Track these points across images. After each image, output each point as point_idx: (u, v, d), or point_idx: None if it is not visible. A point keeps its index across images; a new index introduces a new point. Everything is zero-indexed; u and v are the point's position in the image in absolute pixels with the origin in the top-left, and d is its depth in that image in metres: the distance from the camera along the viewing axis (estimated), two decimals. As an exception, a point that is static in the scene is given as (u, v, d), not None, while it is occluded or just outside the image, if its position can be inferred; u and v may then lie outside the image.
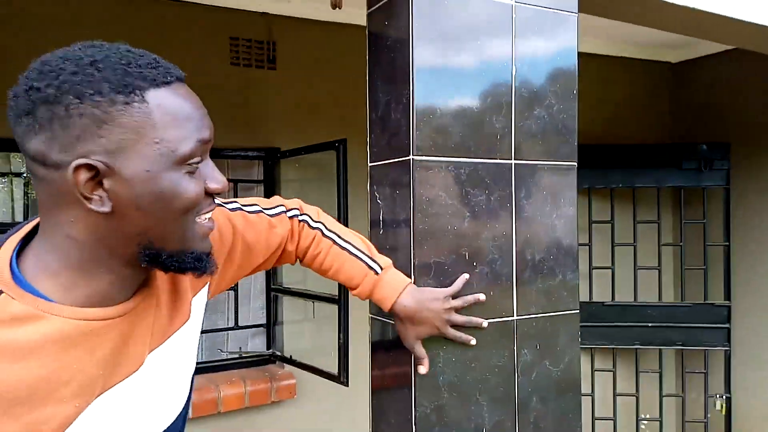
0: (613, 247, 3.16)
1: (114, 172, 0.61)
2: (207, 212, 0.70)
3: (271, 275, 2.50)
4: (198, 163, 0.67)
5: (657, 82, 3.47)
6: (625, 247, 3.15)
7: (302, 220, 1.10)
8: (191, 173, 0.66)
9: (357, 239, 1.12)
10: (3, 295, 0.61)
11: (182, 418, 0.85)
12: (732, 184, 3.11)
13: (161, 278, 0.78)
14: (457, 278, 1.15)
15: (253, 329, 2.56)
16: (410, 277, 1.13)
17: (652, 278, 3.16)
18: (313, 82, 2.48)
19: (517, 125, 1.25)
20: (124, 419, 0.71)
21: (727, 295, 3.12)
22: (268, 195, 2.51)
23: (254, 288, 2.57)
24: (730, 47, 2.89)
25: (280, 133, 2.45)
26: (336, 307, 2.05)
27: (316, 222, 1.11)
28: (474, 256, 1.20)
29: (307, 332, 2.49)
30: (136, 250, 0.66)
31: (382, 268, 1.08)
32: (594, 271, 3.17)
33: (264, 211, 1.04)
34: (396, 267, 1.16)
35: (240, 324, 2.49)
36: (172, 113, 0.64)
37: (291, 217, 1.09)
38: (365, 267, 1.09)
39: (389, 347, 1.23)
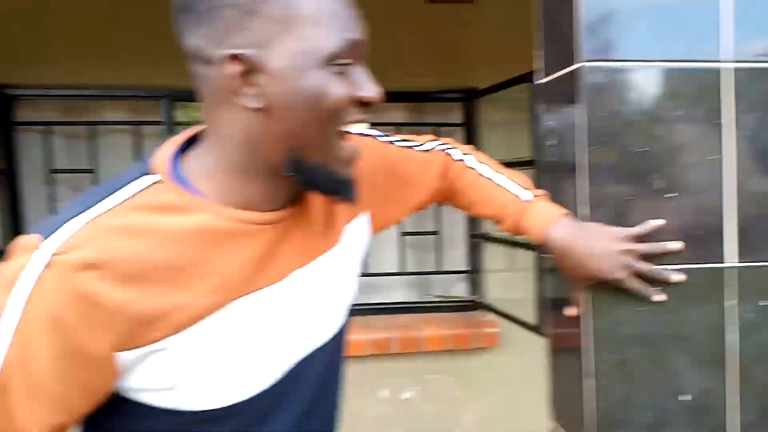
0: None
1: (263, 66, 0.60)
2: (351, 122, 0.66)
3: (471, 222, 2.43)
4: (347, 65, 0.63)
5: None
6: None
7: (448, 152, 1.02)
8: (340, 74, 0.62)
9: (508, 171, 1.00)
10: (160, 184, 0.63)
11: (329, 351, 0.81)
12: None
13: (315, 199, 0.76)
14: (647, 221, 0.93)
15: (460, 275, 2.54)
16: (580, 215, 0.96)
17: None
18: (516, 14, 2.28)
19: (739, 15, 0.95)
20: (260, 330, 0.69)
21: None
22: (468, 139, 2.42)
23: (455, 234, 2.53)
24: None
25: (479, 71, 2.32)
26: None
27: (464, 154, 1.02)
28: (669, 185, 0.96)
29: (511, 281, 2.38)
30: (283, 156, 0.64)
31: (534, 197, 0.94)
32: None
33: (415, 147, 0.99)
34: (563, 202, 1.00)
35: (443, 269, 2.49)
36: (319, 7, 0.61)
37: (441, 150, 1.02)
38: (513, 196, 0.96)
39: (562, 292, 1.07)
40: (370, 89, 0.65)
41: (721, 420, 0.99)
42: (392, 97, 2.39)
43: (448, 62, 2.37)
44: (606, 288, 0.95)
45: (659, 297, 0.94)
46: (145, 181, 0.63)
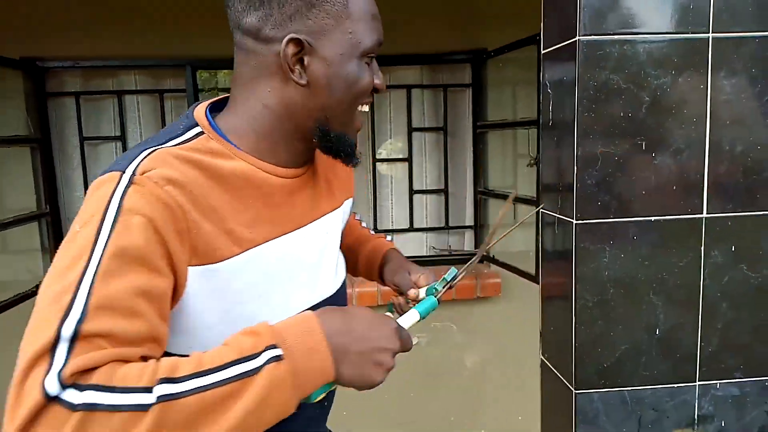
0: None
1: (314, 51, 0.74)
2: (367, 102, 0.81)
3: (480, 179, 2.56)
4: (372, 58, 0.79)
5: None
6: None
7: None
8: (367, 65, 0.78)
9: None
10: (204, 135, 0.76)
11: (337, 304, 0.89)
12: None
13: (320, 165, 0.91)
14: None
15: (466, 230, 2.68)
16: (573, 171, 1.09)
17: None
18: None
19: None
20: (286, 269, 0.81)
21: None
22: (476, 98, 2.52)
23: (461, 191, 2.66)
24: None
25: (488, 33, 2.41)
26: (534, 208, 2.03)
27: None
28: (653, 146, 1.09)
29: (513, 235, 2.52)
30: (314, 125, 0.78)
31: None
32: None
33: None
34: (559, 162, 1.12)
35: (451, 224, 2.64)
36: (365, 10, 0.76)
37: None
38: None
39: (556, 245, 1.21)
40: (381, 79, 0.81)
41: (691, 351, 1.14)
42: (405, 59, 2.51)
43: (459, 24, 2.45)
44: (589, 238, 1.09)
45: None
46: (194, 131, 0.76)
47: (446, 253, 2.61)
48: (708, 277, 1.13)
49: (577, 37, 1.06)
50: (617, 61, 1.06)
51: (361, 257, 1.13)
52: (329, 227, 0.91)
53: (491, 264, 2.51)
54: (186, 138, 0.75)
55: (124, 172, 0.66)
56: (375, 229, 2.62)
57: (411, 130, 2.56)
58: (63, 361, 0.55)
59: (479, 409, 2.55)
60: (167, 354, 0.67)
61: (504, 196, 2.39)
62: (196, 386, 0.57)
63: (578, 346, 1.13)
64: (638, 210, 1.10)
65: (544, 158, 1.25)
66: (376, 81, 0.80)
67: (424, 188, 2.64)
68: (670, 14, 1.06)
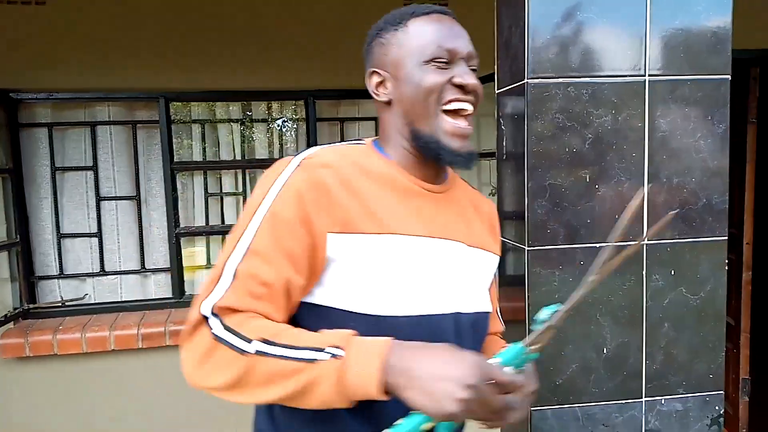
0: None
1: (387, 74, 0.94)
2: (452, 102, 0.90)
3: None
4: (445, 63, 0.91)
5: None
6: None
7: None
8: (439, 68, 0.90)
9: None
10: (366, 146, 0.96)
11: (472, 335, 0.95)
12: None
13: (466, 199, 1.02)
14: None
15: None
16: (524, 201, 1.17)
17: None
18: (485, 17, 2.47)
19: (653, 37, 1.17)
20: (413, 264, 0.88)
21: None
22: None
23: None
24: None
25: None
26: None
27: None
28: (596, 178, 1.18)
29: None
30: (409, 132, 0.93)
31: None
32: None
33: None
34: (513, 192, 1.20)
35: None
36: (422, 30, 0.92)
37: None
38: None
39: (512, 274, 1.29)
40: (462, 77, 0.90)
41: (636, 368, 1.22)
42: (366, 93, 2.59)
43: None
44: (541, 263, 1.17)
45: None
46: (358, 143, 0.97)
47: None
48: (650, 299, 1.22)
49: (525, 80, 1.15)
50: (562, 102, 1.16)
51: None
52: (483, 263, 1.01)
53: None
54: (350, 144, 0.97)
55: (296, 158, 0.88)
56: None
57: (380, 159, 2.64)
58: (220, 294, 0.78)
59: None
60: (312, 305, 0.86)
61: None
62: (280, 354, 0.75)
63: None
64: (584, 237, 1.18)
65: (501, 188, 1.33)
66: (456, 79, 0.90)
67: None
68: (610, 59, 1.16)
